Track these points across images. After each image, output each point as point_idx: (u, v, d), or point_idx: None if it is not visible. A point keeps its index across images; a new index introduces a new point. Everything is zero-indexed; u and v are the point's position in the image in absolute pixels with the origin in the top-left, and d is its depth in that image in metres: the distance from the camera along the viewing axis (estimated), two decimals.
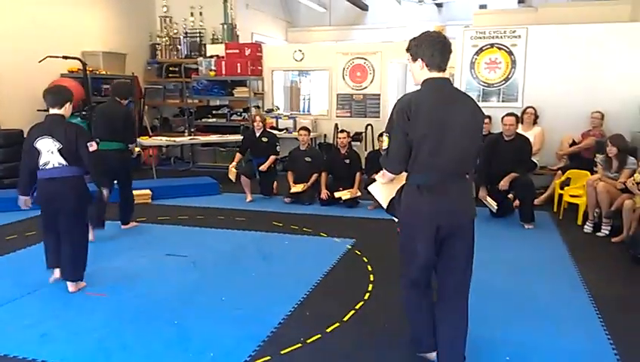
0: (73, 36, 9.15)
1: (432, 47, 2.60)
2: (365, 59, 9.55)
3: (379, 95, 9.55)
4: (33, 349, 3.11)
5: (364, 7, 14.31)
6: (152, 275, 4.37)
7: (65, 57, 8.33)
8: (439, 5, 13.81)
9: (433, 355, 2.88)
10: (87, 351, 3.12)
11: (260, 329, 3.36)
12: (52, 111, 3.94)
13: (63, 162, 3.87)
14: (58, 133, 3.84)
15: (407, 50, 2.69)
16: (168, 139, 9.27)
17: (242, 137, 8.24)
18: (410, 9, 13.62)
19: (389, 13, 14.01)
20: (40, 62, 7.88)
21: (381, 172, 2.82)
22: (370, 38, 13.49)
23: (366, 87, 9.61)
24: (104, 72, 9.27)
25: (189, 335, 3.31)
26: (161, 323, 3.46)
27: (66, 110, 3.98)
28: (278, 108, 10.51)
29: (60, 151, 3.84)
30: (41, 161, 3.87)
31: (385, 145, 2.69)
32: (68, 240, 3.96)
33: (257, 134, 7.43)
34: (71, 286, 3.99)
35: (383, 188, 2.90)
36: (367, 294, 3.95)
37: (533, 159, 6.82)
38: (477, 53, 7.68)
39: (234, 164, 7.42)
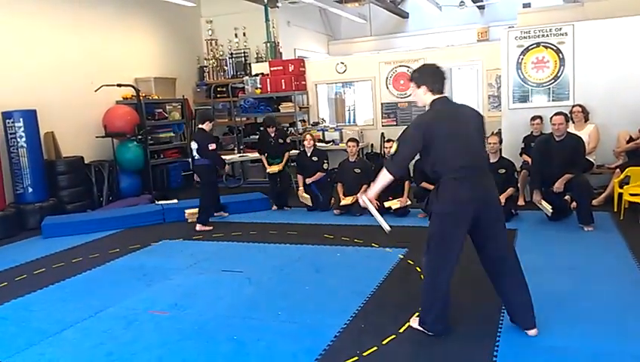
0: (126, 64, 9.60)
1: (432, 76, 3.26)
2: (408, 66, 9.52)
3: None
4: None
5: (403, 15, 14.28)
6: (209, 291, 4.49)
7: (119, 85, 8.76)
8: (481, 7, 13.60)
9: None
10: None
11: (316, 342, 3.39)
12: (200, 126, 6.84)
13: (197, 156, 6.74)
14: (197, 138, 6.80)
15: (411, 80, 3.33)
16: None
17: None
18: (451, 13, 13.46)
19: (430, 19, 13.90)
20: (96, 91, 8.32)
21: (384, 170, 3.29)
22: (411, 45, 13.43)
23: (410, 95, 9.55)
24: (156, 97, 9.65)
25: (247, 350, 3.38)
26: (220, 339, 3.56)
27: (206, 125, 6.82)
28: (325, 121, 10.61)
29: (197, 150, 6.68)
30: (194, 154, 6.83)
31: (393, 150, 3.28)
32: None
33: (308, 153, 7.58)
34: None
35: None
36: None
37: (590, 158, 6.59)
38: (523, 53, 7.51)
39: (302, 189, 7.57)
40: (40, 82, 7.98)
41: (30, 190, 7.35)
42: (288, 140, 8.35)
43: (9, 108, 7.30)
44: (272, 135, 7.92)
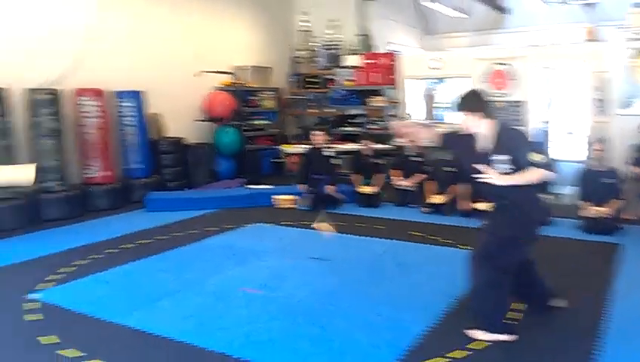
0: (224, 52, 10.06)
1: (483, 102, 3.37)
2: (507, 64, 9.19)
3: (522, 102, 9.13)
4: (190, 336, 3.50)
5: (504, 10, 13.76)
6: (297, 276, 4.67)
7: (220, 72, 9.22)
8: (589, 5, 12.80)
9: (505, 337, 3.34)
10: (236, 342, 3.44)
11: (399, 338, 3.44)
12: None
13: None
14: None
15: (461, 108, 3.36)
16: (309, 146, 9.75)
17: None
18: (554, 10, 12.80)
19: (532, 15, 13.29)
20: (197, 76, 8.80)
21: (540, 173, 3.28)
22: (510, 42, 12.92)
23: (508, 94, 9.25)
24: (252, 85, 10.03)
25: (330, 336, 3.50)
26: (305, 323, 3.70)
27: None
28: (410, 116, 10.51)
29: None
30: None
31: (538, 158, 3.23)
32: None
33: (409, 154, 7.60)
34: None
35: None
36: (510, 311, 3.85)
37: None
38: (635, 56, 7.04)
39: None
40: (148, 67, 8.58)
41: (136, 166, 7.97)
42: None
43: (120, 89, 7.92)
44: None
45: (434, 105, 11.62)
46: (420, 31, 14.43)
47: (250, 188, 8.19)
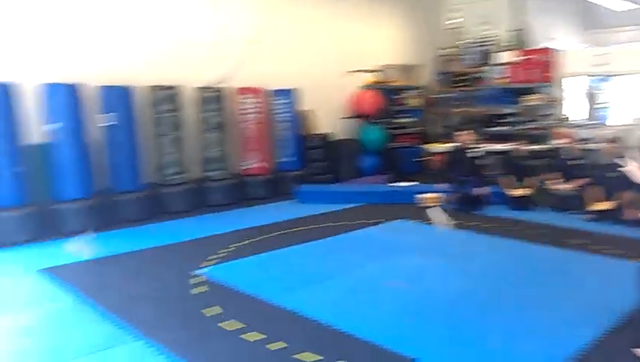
0: (372, 51, 10.22)
1: None
2: None
3: None
4: (342, 323, 3.60)
5: None
6: (439, 274, 4.61)
7: (367, 71, 9.40)
8: None
9: None
10: (387, 334, 3.46)
11: (556, 351, 3.22)
12: None
13: None
14: None
15: None
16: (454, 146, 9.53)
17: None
18: None
19: None
20: (347, 75, 9.07)
21: None
22: None
23: None
24: (398, 83, 10.06)
25: (484, 338, 3.39)
26: (456, 323, 3.63)
27: None
28: (567, 118, 9.73)
29: None
30: None
31: None
32: None
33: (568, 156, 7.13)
34: None
35: None
36: None
37: None
38: None
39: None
40: (301, 67, 9.03)
41: (288, 160, 8.48)
42: None
43: (276, 87, 8.46)
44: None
45: (596, 104, 10.67)
46: (581, 25, 13.28)
47: (393, 186, 8.23)
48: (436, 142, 10.18)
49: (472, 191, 7.10)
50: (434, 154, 9.62)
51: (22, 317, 3.88)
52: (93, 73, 6.69)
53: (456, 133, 7.73)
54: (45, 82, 6.20)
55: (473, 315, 3.75)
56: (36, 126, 6.24)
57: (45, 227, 6.07)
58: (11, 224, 5.79)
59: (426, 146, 10.07)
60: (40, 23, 6.51)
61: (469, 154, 7.42)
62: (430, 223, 5.66)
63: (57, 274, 4.76)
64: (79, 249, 5.38)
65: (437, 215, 5.45)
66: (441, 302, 4.00)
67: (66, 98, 6.20)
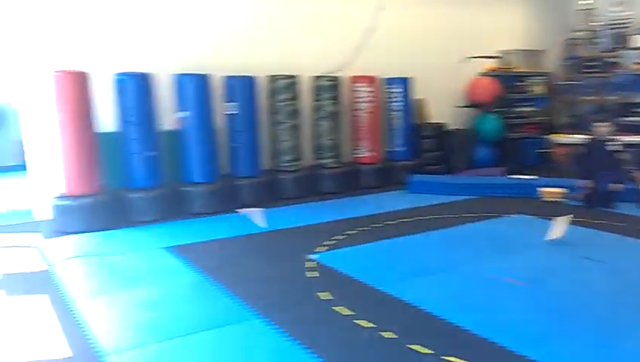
0: (490, 36, 9.72)
1: None
2: None
3: None
4: (457, 318, 3.49)
5: None
6: (566, 274, 4.32)
7: (486, 57, 8.97)
8: None
9: None
10: (509, 334, 3.29)
11: None
12: None
13: None
14: None
15: None
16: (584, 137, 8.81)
17: None
18: None
19: None
20: (464, 61, 8.72)
21: None
22: None
23: None
24: (520, 70, 9.49)
25: (613, 345, 3.13)
26: (582, 326, 3.39)
27: None
28: None
29: None
30: None
31: None
32: None
33: None
34: None
35: None
36: None
37: None
38: None
39: None
40: (415, 55, 8.83)
41: (399, 149, 8.39)
42: None
43: (389, 76, 8.37)
44: None
45: None
46: None
47: (512, 178, 7.82)
48: (560, 132, 9.50)
49: (607, 187, 6.52)
50: (559, 145, 8.99)
51: (148, 291, 4.19)
52: (219, 64, 7.06)
53: (596, 124, 7.09)
54: (177, 73, 6.66)
55: (607, 316, 3.48)
56: (168, 113, 6.74)
57: (173, 208, 6.53)
58: (143, 204, 6.29)
59: (550, 137, 9.43)
60: (174, 19, 7.03)
61: (608, 147, 6.79)
62: (553, 221, 5.29)
63: (182, 251, 5.12)
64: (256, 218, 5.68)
65: (560, 225, 5.11)
66: (569, 302, 3.75)
67: (196, 88, 6.61)
